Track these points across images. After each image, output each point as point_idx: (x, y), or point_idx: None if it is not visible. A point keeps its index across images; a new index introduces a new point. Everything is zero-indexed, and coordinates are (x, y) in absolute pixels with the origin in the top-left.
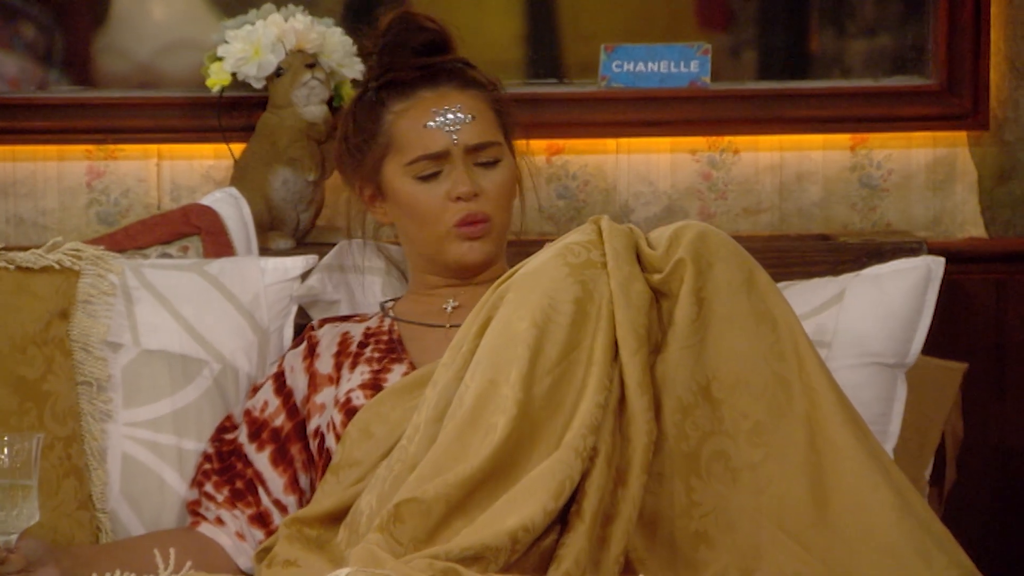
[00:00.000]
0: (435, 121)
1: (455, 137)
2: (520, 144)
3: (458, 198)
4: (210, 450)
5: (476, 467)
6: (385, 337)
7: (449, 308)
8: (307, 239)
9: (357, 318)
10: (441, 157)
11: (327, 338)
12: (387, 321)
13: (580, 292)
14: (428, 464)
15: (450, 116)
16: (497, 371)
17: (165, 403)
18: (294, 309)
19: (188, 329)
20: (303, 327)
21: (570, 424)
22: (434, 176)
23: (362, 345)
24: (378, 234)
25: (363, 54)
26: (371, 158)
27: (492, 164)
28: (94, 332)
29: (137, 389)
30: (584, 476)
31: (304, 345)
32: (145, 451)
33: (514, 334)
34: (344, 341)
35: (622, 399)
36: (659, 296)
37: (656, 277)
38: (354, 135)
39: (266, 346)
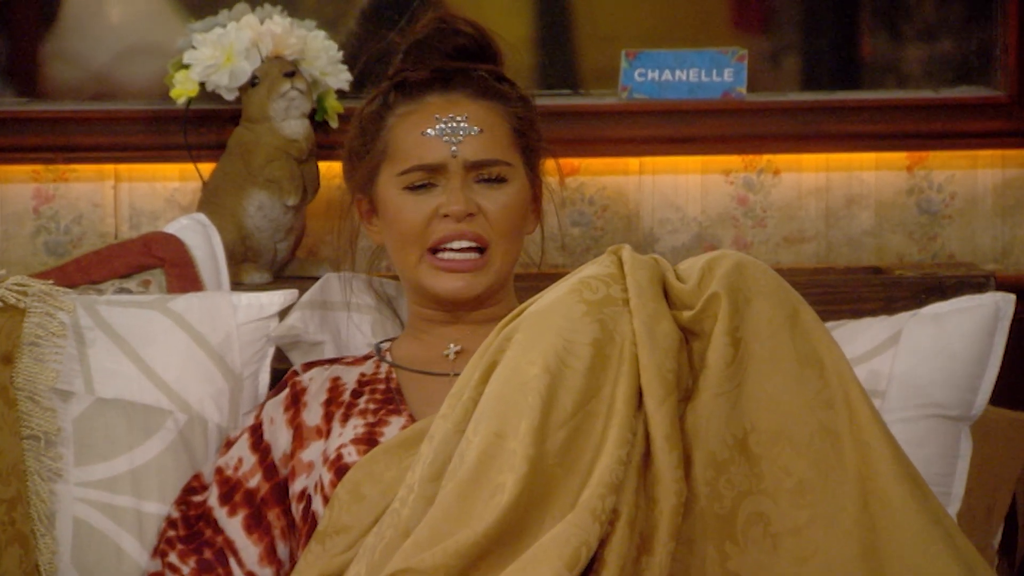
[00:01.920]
0: (435, 129)
1: (455, 149)
2: (549, 166)
3: (446, 216)
4: (175, 514)
5: (481, 533)
6: (382, 385)
7: (451, 354)
8: (286, 272)
9: (348, 360)
10: (437, 170)
11: (315, 384)
12: (384, 367)
13: (599, 333)
14: (425, 529)
15: (452, 125)
16: (504, 423)
17: (122, 460)
18: (271, 351)
19: (149, 375)
20: (282, 372)
21: (588, 482)
22: (426, 188)
23: (356, 394)
24: (372, 267)
25: (390, 52)
26: (368, 165)
27: (497, 182)
28: (42, 379)
29: (90, 444)
30: (603, 542)
31: (287, 393)
32: (99, 515)
33: (523, 381)
34: (335, 388)
35: (647, 454)
36: (689, 336)
37: (686, 315)
38: (357, 139)
39: (239, 394)
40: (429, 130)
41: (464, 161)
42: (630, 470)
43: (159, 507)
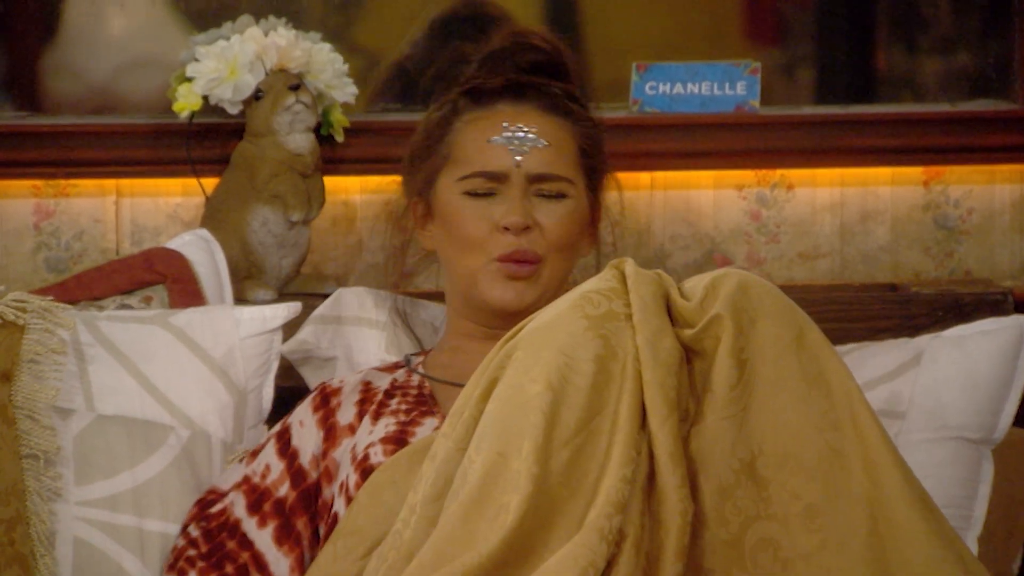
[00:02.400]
0: (502, 137)
1: (519, 159)
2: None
3: (506, 228)
4: (195, 532)
5: (485, 555)
6: (414, 391)
7: None
8: (290, 289)
9: (379, 367)
10: (498, 179)
11: (348, 386)
12: (415, 377)
13: (602, 348)
14: (429, 552)
15: (520, 136)
16: (507, 442)
17: (124, 478)
18: (275, 365)
19: (151, 390)
20: (287, 390)
21: (593, 502)
22: (487, 196)
23: (389, 395)
24: (411, 281)
25: (460, 62)
26: (428, 168)
27: (556, 198)
28: (41, 396)
29: (91, 462)
30: (609, 564)
31: (315, 395)
32: (101, 534)
33: (526, 399)
34: (368, 390)
35: (651, 474)
36: (691, 355)
37: (687, 333)
38: (421, 142)
39: (243, 408)
40: (496, 137)
41: (527, 173)
42: (635, 490)
43: (161, 525)
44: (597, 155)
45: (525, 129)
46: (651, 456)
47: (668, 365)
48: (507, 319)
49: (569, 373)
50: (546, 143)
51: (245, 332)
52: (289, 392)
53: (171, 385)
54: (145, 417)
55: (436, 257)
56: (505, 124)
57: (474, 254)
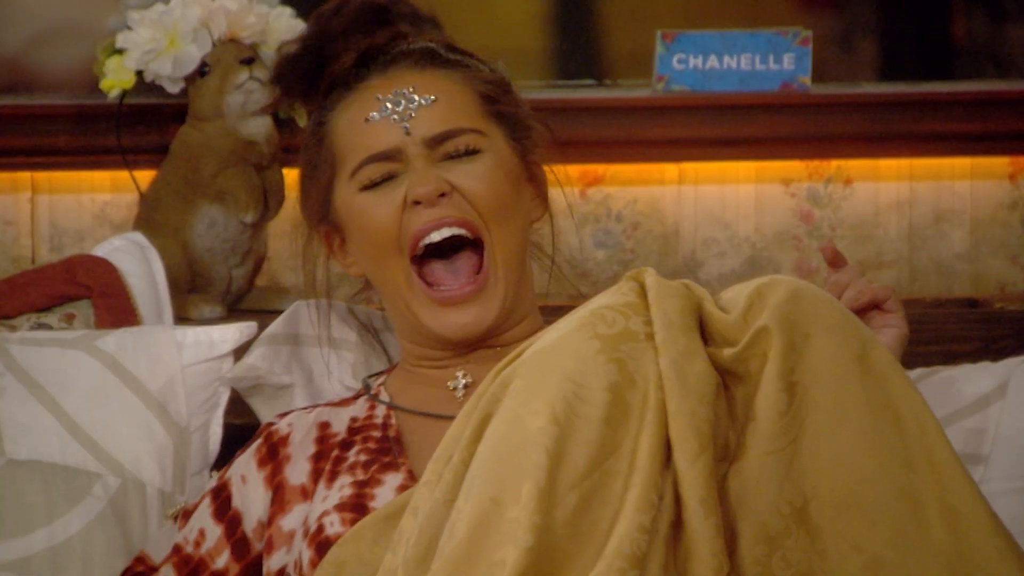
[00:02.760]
0: (379, 111)
1: (407, 126)
2: (556, 172)
3: (416, 203)
4: None
5: None
6: (377, 432)
7: (460, 390)
8: (243, 305)
9: (334, 400)
10: (392, 157)
11: (299, 432)
12: (380, 408)
13: (616, 375)
14: None
15: (400, 102)
16: (502, 486)
17: (40, 536)
18: (224, 398)
19: (73, 430)
20: (237, 428)
21: (603, 554)
22: (386, 182)
23: (346, 445)
24: (356, 298)
25: (304, 55)
26: (320, 184)
27: (468, 156)
28: None
29: (0, 517)
30: None
31: (260, 443)
32: None
33: (525, 435)
34: (324, 438)
35: (677, 522)
36: (730, 379)
37: (727, 352)
38: (305, 161)
39: (185, 451)
40: (373, 113)
41: (422, 138)
42: (656, 541)
43: None
44: (506, 97)
45: (403, 91)
46: (678, 501)
47: (699, 392)
48: (475, 344)
49: (578, 404)
50: (432, 98)
51: (188, 359)
52: (241, 431)
53: (98, 423)
54: (66, 462)
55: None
56: (378, 96)
57: (393, 256)
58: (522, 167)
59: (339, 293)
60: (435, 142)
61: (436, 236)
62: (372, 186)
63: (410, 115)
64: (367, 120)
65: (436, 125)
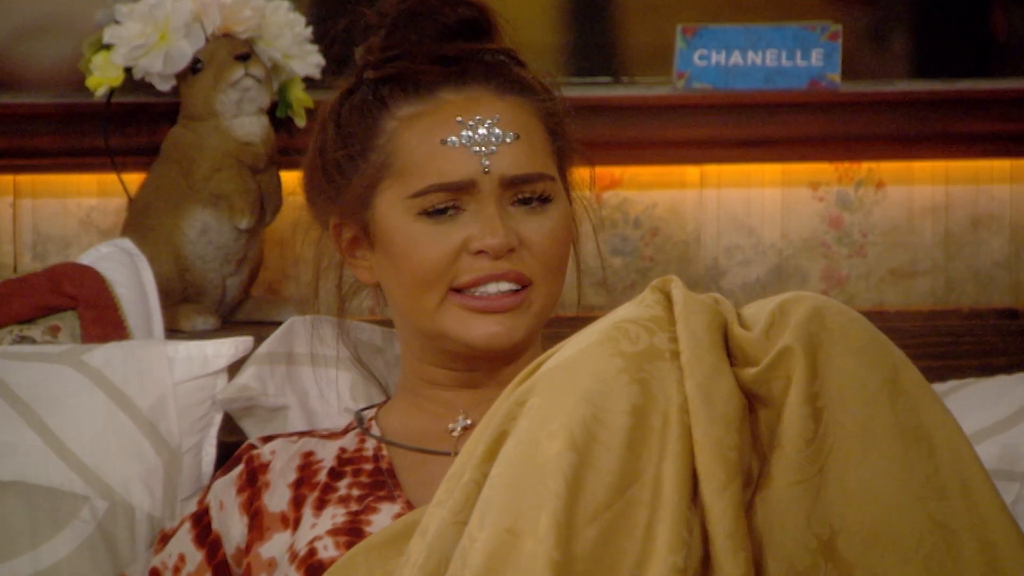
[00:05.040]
0: (459, 136)
1: (487, 163)
2: (581, 175)
3: (481, 252)
4: None
5: None
6: (369, 465)
7: (458, 429)
8: (238, 316)
9: (322, 432)
10: (464, 189)
11: (280, 459)
12: (370, 442)
13: (639, 397)
14: None
15: (482, 132)
16: (518, 516)
17: (24, 561)
18: (218, 418)
19: (58, 450)
20: (233, 447)
21: None
22: (448, 214)
23: (335, 474)
24: (345, 307)
25: (362, 29)
26: (359, 182)
27: (540, 204)
28: None
29: None
30: None
31: (240, 469)
32: None
33: (542, 461)
34: (307, 466)
35: (705, 557)
36: (754, 401)
37: (749, 372)
38: (336, 146)
39: (176, 473)
40: (451, 138)
41: (500, 177)
42: None
43: None
44: (564, 133)
45: (487, 121)
46: (704, 535)
47: (726, 418)
48: (496, 359)
49: (597, 428)
50: (515, 135)
51: (180, 375)
52: (235, 450)
53: (85, 443)
54: (51, 484)
55: (375, 289)
56: (459, 119)
57: (433, 289)
58: (570, 208)
59: (349, 305)
60: (512, 184)
61: (492, 288)
62: (434, 213)
63: (491, 150)
64: (443, 142)
65: (517, 166)
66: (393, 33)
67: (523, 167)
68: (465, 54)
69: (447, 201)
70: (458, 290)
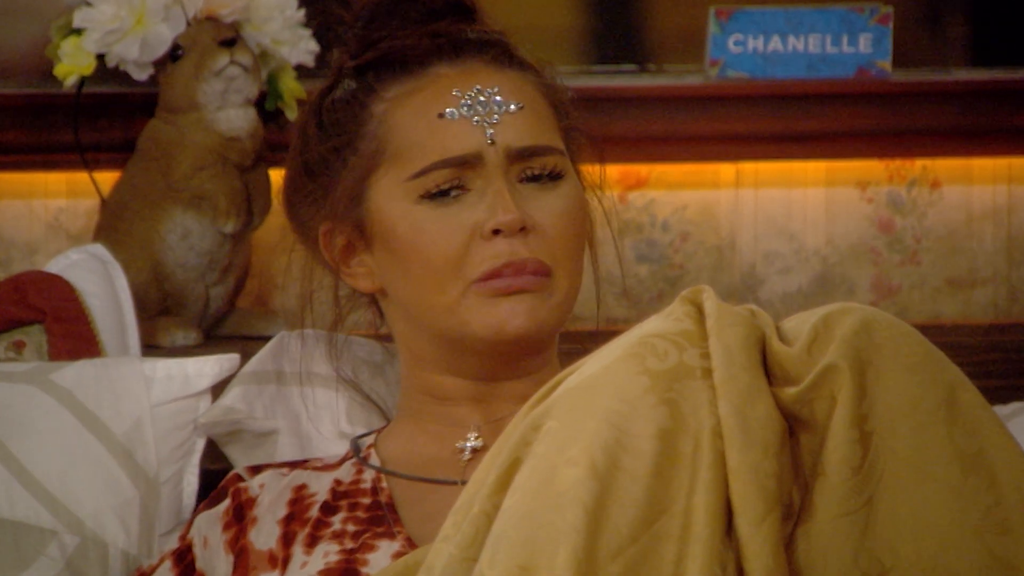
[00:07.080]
0: (459, 107)
1: (491, 132)
2: (591, 172)
3: (496, 231)
4: None
5: None
6: (366, 498)
7: (467, 451)
8: (223, 329)
9: (316, 463)
10: (468, 165)
11: (269, 494)
12: (368, 472)
13: (667, 419)
14: None
15: (482, 100)
16: (533, 552)
17: None
18: (201, 444)
19: (23, 479)
20: (218, 475)
21: None
22: (453, 196)
23: (328, 509)
24: (340, 317)
25: (335, 26)
26: (349, 176)
27: (551, 181)
28: None
29: None
30: None
31: (227, 504)
32: None
33: (560, 490)
34: (299, 500)
35: None
36: (795, 424)
37: (790, 392)
38: (319, 141)
39: (154, 505)
40: (450, 109)
41: (506, 149)
42: None
43: None
44: (566, 110)
45: (487, 90)
46: (740, 573)
47: (764, 442)
48: (520, 349)
49: (620, 454)
50: (519, 104)
51: (159, 396)
52: (219, 479)
53: (52, 472)
54: (15, 517)
55: (373, 299)
56: (456, 91)
57: (449, 283)
58: (583, 193)
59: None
60: (519, 156)
61: (515, 283)
62: (438, 195)
63: (494, 120)
64: (441, 116)
65: (524, 137)
66: (372, 23)
67: (530, 138)
68: (460, 35)
69: (451, 180)
70: (477, 282)
